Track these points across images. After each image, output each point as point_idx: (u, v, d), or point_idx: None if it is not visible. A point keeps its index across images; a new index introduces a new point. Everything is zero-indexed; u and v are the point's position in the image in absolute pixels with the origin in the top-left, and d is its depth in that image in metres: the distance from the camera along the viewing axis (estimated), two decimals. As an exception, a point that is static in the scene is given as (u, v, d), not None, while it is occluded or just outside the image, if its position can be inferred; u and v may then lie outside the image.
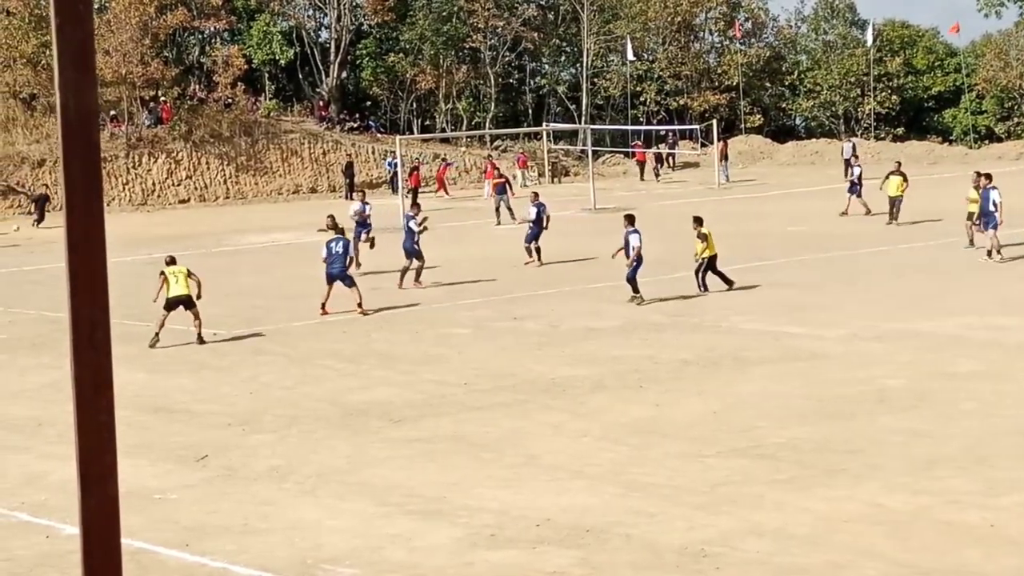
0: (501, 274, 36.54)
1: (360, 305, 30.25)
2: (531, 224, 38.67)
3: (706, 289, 32.02)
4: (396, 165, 65.46)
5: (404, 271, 34.80)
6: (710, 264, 32.40)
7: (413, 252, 34.78)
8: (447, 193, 64.66)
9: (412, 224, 35.06)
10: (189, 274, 27.47)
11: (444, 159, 70.24)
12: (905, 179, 45.23)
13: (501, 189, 51.95)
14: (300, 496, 16.86)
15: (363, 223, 40.38)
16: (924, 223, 44.63)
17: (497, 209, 50.77)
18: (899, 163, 49.81)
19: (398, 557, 14.36)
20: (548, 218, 38.68)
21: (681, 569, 13.71)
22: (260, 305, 32.51)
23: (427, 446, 19.03)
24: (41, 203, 55.67)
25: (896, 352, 24.30)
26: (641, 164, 72.30)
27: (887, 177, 45.52)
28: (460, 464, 18.05)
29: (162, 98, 67.25)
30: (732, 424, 19.61)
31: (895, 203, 44.67)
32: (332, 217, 33.36)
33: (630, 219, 31.62)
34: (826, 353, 24.50)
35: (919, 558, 13.82)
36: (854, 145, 66.45)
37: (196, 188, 65.51)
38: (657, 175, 70.75)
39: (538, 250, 38.00)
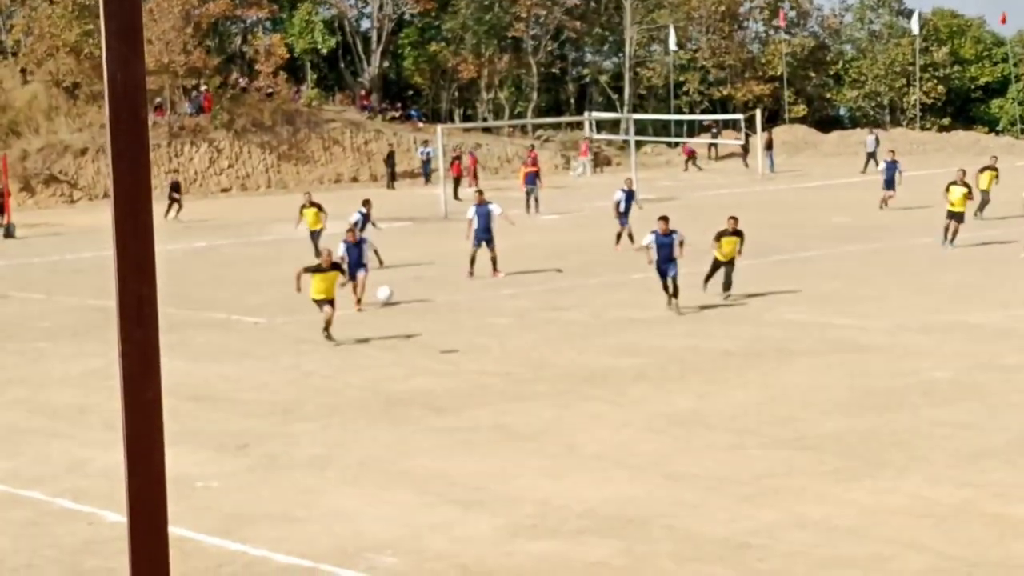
0: (541, 264, 36.44)
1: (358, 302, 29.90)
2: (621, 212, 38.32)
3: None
4: (429, 153, 65.47)
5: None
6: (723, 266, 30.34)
7: (487, 238, 34.55)
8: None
9: (493, 208, 34.85)
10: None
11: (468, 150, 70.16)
12: (997, 174, 44.57)
13: (531, 179, 51.42)
14: (341, 485, 16.84)
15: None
16: (970, 214, 44.30)
17: (527, 199, 50.35)
18: (995, 157, 48.30)
19: (439, 546, 14.32)
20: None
21: (724, 560, 13.61)
22: (301, 294, 32.47)
23: (468, 436, 18.98)
24: (175, 191, 54.88)
25: (942, 344, 24.11)
26: (692, 155, 72.06)
27: (981, 171, 44.46)
28: (501, 454, 18.00)
29: (204, 87, 67.38)
30: (776, 415, 19.49)
31: (985, 197, 43.93)
32: (308, 194, 35.12)
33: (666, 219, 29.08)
34: (871, 345, 24.33)
35: (965, 551, 13.68)
36: (877, 138, 65.92)
37: (238, 177, 65.65)
38: (687, 167, 70.49)
39: (630, 235, 37.48)
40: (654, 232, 29.40)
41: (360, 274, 29.67)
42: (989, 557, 13.52)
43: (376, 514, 15.52)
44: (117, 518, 15.33)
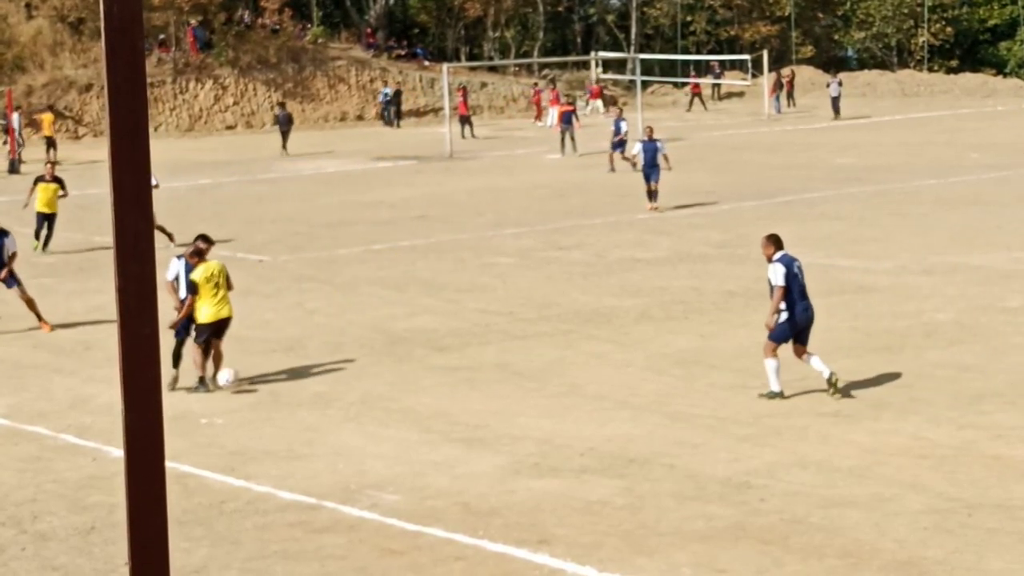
0: (547, 204, 36.42)
1: None
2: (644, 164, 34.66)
3: None
4: (388, 95, 65.23)
5: (650, 192, 34.26)
6: None
7: (653, 173, 33.95)
8: (539, 119, 64.32)
9: (660, 144, 34.35)
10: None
11: (536, 84, 69.96)
12: None
13: (568, 118, 50.41)
14: (344, 422, 16.90)
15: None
16: (976, 155, 44.21)
17: (563, 139, 49.89)
18: None
19: (441, 484, 14.38)
20: (666, 157, 34.40)
21: (725, 500, 13.67)
22: (304, 232, 32.54)
23: (471, 374, 19.02)
24: (285, 123, 54.66)
25: (945, 285, 24.11)
26: (696, 94, 71.79)
27: None
28: (503, 393, 18.05)
29: (191, 22, 66.70)
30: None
31: None
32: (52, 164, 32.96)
33: (777, 242, 18.23)
34: (874, 286, 24.33)
35: (964, 492, 13.74)
36: (840, 82, 65.04)
37: (243, 114, 65.48)
38: (690, 107, 70.29)
39: (655, 193, 34.26)
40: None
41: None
42: (989, 498, 13.57)
43: (378, 452, 15.58)
44: (120, 454, 15.38)
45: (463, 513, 13.46)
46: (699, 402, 17.32)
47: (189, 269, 18.38)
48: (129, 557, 2.58)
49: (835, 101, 61.94)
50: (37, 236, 30.04)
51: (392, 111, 65.61)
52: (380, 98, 66.34)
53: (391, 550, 12.56)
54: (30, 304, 22.17)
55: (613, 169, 42.40)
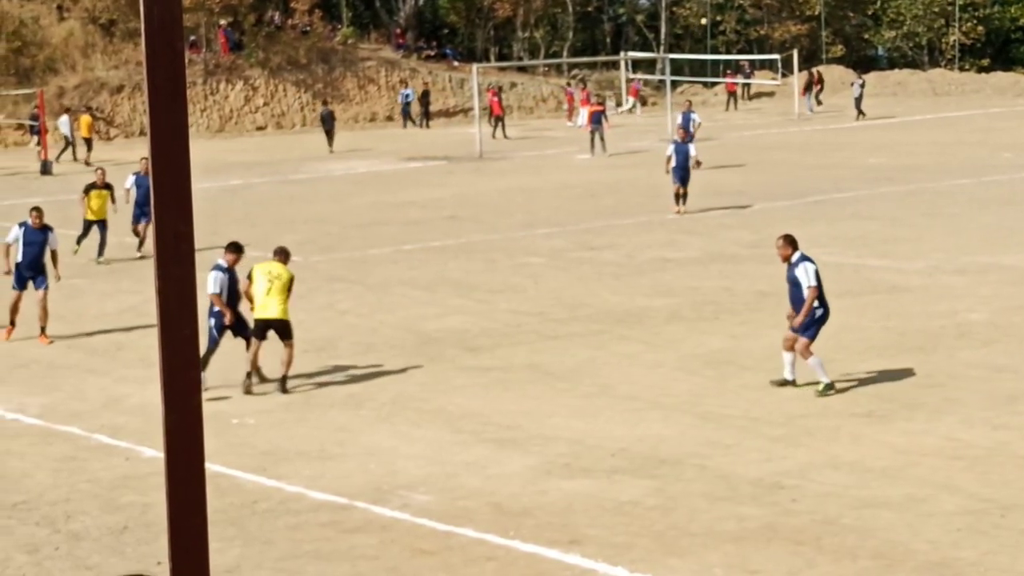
0: (578, 204, 36.40)
1: None
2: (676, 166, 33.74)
3: None
4: (408, 96, 65.15)
5: (678, 195, 33.56)
6: None
7: (683, 176, 33.44)
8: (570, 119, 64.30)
9: (691, 147, 33.95)
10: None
11: (568, 85, 69.95)
12: None
13: (597, 118, 50.07)
14: (376, 423, 16.93)
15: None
16: (1009, 154, 44.01)
17: (592, 139, 49.86)
18: None
19: (473, 484, 14.39)
20: (698, 161, 34.11)
21: (757, 501, 13.64)
22: (335, 233, 32.60)
23: (502, 375, 19.03)
24: (328, 121, 55.51)
25: (978, 286, 24.00)
26: (731, 94, 71.67)
27: None
28: (535, 393, 18.05)
29: (221, 23, 66.87)
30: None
31: None
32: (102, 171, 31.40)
33: (794, 243, 18.20)
34: (907, 286, 24.24)
35: (998, 492, 13.67)
36: (864, 83, 64.71)
37: (273, 115, 65.61)
38: (728, 107, 70.17)
39: (684, 195, 33.59)
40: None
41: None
42: (1023, 499, 13.50)
43: (410, 452, 15.60)
44: (153, 453, 15.46)
45: (495, 513, 13.46)
46: (731, 402, 17.29)
47: (232, 274, 18.46)
48: (170, 558, 2.58)
49: (857, 101, 61.66)
50: (79, 241, 29.50)
51: (412, 112, 65.54)
52: (400, 99, 66.29)
53: (423, 550, 12.57)
54: (44, 313, 21.66)
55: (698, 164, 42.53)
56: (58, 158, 50.95)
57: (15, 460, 15.76)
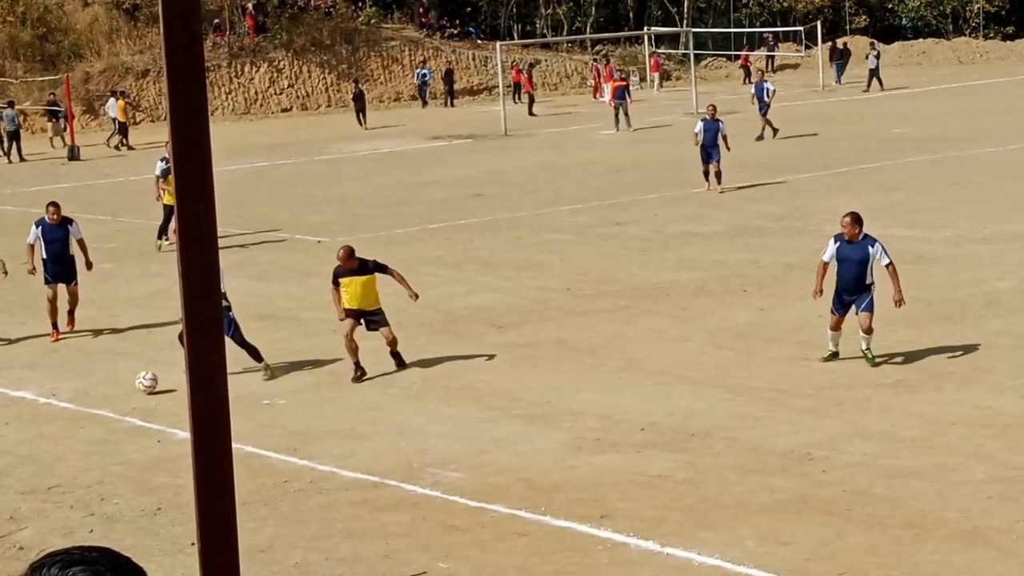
0: (603, 180, 36.38)
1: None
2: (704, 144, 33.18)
3: None
4: (425, 76, 65.08)
5: (707, 173, 32.90)
6: None
7: (713, 153, 32.83)
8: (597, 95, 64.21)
9: (722, 124, 33.30)
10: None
11: (594, 61, 69.86)
12: None
13: (621, 93, 49.98)
14: (405, 401, 16.99)
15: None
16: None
17: (617, 114, 49.73)
18: None
19: (503, 461, 14.44)
20: (726, 138, 33.22)
21: (787, 472, 13.66)
22: (361, 212, 32.65)
23: (530, 351, 19.07)
24: (360, 100, 56.65)
25: (1005, 254, 23.93)
26: (745, 68, 71.43)
27: None
28: (563, 369, 18.08)
29: (248, 4, 66.94)
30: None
31: None
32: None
33: (860, 221, 17.93)
34: (934, 256, 24.19)
35: (1029, 461, 13.67)
36: (879, 54, 64.42)
37: (298, 96, 65.67)
38: (744, 80, 69.89)
39: (718, 174, 32.87)
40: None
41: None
42: (1053, 467, 13.50)
43: (440, 430, 15.66)
44: (185, 435, 15.53)
45: (525, 489, 13.51)
46: (759, 375, 17.30)
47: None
48: (198, 540, 2.62)
49: (873, 72, 61.36)
50: (161, 235, 28.26)
51: (430, 92, 65.56)
52: (416, 79, 66.22)
53: (454, 527, 12.63)
54: (74, 300, 21.36)
55: (762, 137, 43.18)
56: (108, 142, 51.26)
57: (48, 444, 15.88)
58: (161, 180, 28.66)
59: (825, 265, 17.81)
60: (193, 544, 11.66)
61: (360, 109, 56.39)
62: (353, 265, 18.37)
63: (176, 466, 14.57)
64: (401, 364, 18.38)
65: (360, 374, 18.02)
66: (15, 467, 15.09)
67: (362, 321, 18.36)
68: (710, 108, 34.44)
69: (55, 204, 21.98)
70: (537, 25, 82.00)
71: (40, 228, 21.63)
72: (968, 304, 20.46)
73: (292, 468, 14.56)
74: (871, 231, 24.96)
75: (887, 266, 17.45)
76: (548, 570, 11.53)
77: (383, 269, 18.69)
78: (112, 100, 53.22)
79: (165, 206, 28.14)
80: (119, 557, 2.30)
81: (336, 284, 18.42)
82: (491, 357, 18.82)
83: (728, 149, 32.98)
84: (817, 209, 29.67)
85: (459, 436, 15.39)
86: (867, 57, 64.04)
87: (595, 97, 64.67)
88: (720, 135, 32.92)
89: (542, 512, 12.83)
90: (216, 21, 64.96)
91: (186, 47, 2.57)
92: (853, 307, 17.52)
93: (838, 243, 17.59)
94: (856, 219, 17.73)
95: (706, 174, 33.01)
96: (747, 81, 69.93)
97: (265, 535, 12.52)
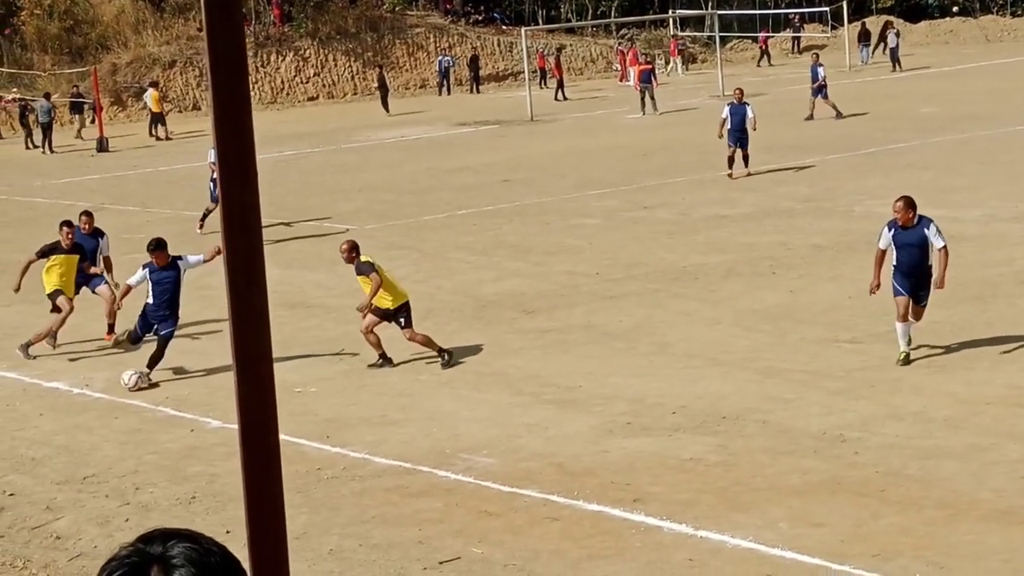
0: (630, 164, 36.34)
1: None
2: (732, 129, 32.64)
3: None
4: (449, 62, 65.03)
5: (732, 159, 32.41)
6: None
7: (741, 138, 32.37)
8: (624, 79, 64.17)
9: (749, 109, 32.66)
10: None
11: (619, 44, 69.84)
12: None
13: (647, 77, 49.92)
14: (437, 387, 17.02)
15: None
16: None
17: (643, 98, 49.58)
18: None
19: (535, 446, 14.46)
20: (754, 122, 32.69)
21: (819, 454, 13.65)
22: (390, 200, 32.69)
23: (560, 336, 19.08)
24: (383, 90, 57.34)
25: (1035, 233, 23.82)
26: (764, 50, 71.32)
27: None
28: (594, 353, 18.09)
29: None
30: (868, 309, 19.37)
31: None
32: None
33: (913, 205, 17.22)
34: (964, 235, 24.06)
35: (1063, 440, 13.63)
36: (898, 32, 64.19)
37: (324, 85, 65.74)
38: (759, 63, 69.74)
39: (745, 157, 32.56)
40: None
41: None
42: (1087, 445, 13.46)
43: (471, 415, 15.69)
44: (219, 424, 15.62)
45: (558, 474, 13.54)
46: (790, 357, 17.28)
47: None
48: (248, 528, 2.65)
49: (893, 52, 61.13)
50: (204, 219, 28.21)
51: (454, 79, 65.55)
52: (438, 67, 66.13)
53: (488, 512, 12.66)
54: (112, 309, 20.57)
55: (812, 116, 43.22)
56: (150, 132, 51.52)
57: (83, 434, 15.97)
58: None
59: (882, 253, 17.10)
60: (229, 532, 11.73)
61: (384, 96, 56.77)
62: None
63: (210, 455, 14.64)
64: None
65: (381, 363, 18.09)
66: (51, 457, 15.18)
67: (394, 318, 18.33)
68: (737, 92, 33.91)
69: (88, 213, 21.78)
70: (562, 10, 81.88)
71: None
72: (999, 283, 20.39)
73: (325, 455, 14.61)
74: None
75: (940, 249, 16.84)
76: (581, 554, 11.56)
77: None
78: (149, 91, 53.49)
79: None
80: (225, 548, 2.37)
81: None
82: (522, 342, 18.83)
83: (754, 129, 32.70)
84: (846, 190, 29.60)
85: (491, 421, 15.42)
86: (886, 37, 63.80)
87: (621, 81, 64.59)
88: (747, 120, 32.50)
89: (575, 496, 12.85)
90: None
91: (228, 36, 2.58)
92: (912, 299, 16.91)
93: (892, 230, 16.91)
94: (909, 203, 16.98)
95: (731, 160, 32.38)
96: (767, 63, 69.77)
97: (300, 522, 12.57)
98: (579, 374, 17.10)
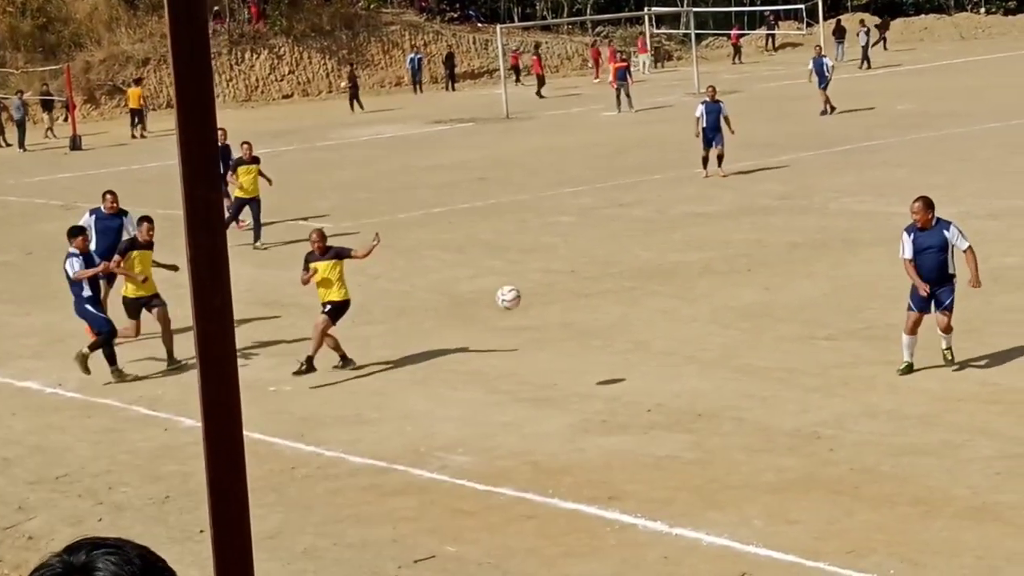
0: (606, 161, 36.34)
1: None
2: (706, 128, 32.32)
3: None
4: (420, 61, 64.84)
5: (706, 159, 32.08)
6: None
7: (716, 137, 31.96)
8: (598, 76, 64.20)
9: (723, 105, 32.33)
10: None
11: (594, 43, 69.82)
12: None
13: (622, 74, 49.83)
14: (411, 386, 16.98)
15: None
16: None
17: (618, 96, 49.57)
18: None
19: (510, 444, 14.44)
20: (728, 119, 32.28)
21: (795, 451, 13.65)
22: (365, 198, 32.64)
23: (536, 334, 19.06)
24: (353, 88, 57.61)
25: (1012, 229, 23.88)
26: (736, 47, 71.47)
27: None
28: (570, 351, 18.07)
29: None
30: (843, 306, 19.44)
31: None
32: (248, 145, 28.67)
33: (931, 205, 16.87)
34: (938, 232, 24.12)
35: (1037, 436, 13.66)
36: (868, 30, 64.27)
37: (299, 83, 65.60)
38: (734, 60, 69.86)
39: (720, 156, 32.07)
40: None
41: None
42: (1061, 442, 13.49)
43: (447, 414, 15.66)
44: (192, 423, 15.55)
45: (533, 472, 13.51)
46: (765, 354, 17.29)
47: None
48: (212, 527, 2.61)
49: (864, 50, 61.24)
50: (229, 223, 26.70)
51: (424, 76, 65.43)
52: (408, 65, 65.97)
53: (463, 511, 12.63)
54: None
55: (827, 111, 43.49)
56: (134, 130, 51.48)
57: (56, 434, 15.89)
58: (230, 173, 27.64)
59: (910, 262, 16.40)
60: (202, 531, 11.69)
61: (354, 95, 56.65)
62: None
63: (183, 454, 14.57)
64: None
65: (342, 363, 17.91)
66: (23, 457, 15.10)
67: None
68: (710, 89, 33.55)
69: (112, 192, 21.44)
70: (537, 7, 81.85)
71: (94, 217, 21.12)
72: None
73: (299, 454, 14.57)
74: (878, 208, 25.00)
75: (966, 250, 16.36)
76: (556, 552, 11.53)
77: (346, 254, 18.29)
78: (132, 87, 53.45)
79: (237, 199, 27.54)
80: (151, 555, 2.35)
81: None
82: (498, 341, 18.80)
83: (732, 132, 32.31)
84: (822, 187, 29.64)
85: (466, 420, 15.39)
86: (857, 35, 63.93)
87: (596, 79, 64.62)
88: (722, 117, 32.15)
89: (550, 495, 12.83)
90: (216, 8, 64.86)
91: (192, 36, 2.55)
92: (933, 303, 16.28)
93: (912, 234, 16.38)
94: (928, 204, 16.41)
95: (705, 160, 32.07)
96: (739, 60, 69.85)
97: (274, 521, 12.53)
98: (555, 372, 17.08)
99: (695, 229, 25.92)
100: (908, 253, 16.32)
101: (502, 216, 28.77)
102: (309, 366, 17.68)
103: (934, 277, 16.19)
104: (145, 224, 19.38)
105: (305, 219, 27.14)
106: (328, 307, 17.87)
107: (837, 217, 26.16)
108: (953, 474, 12.74)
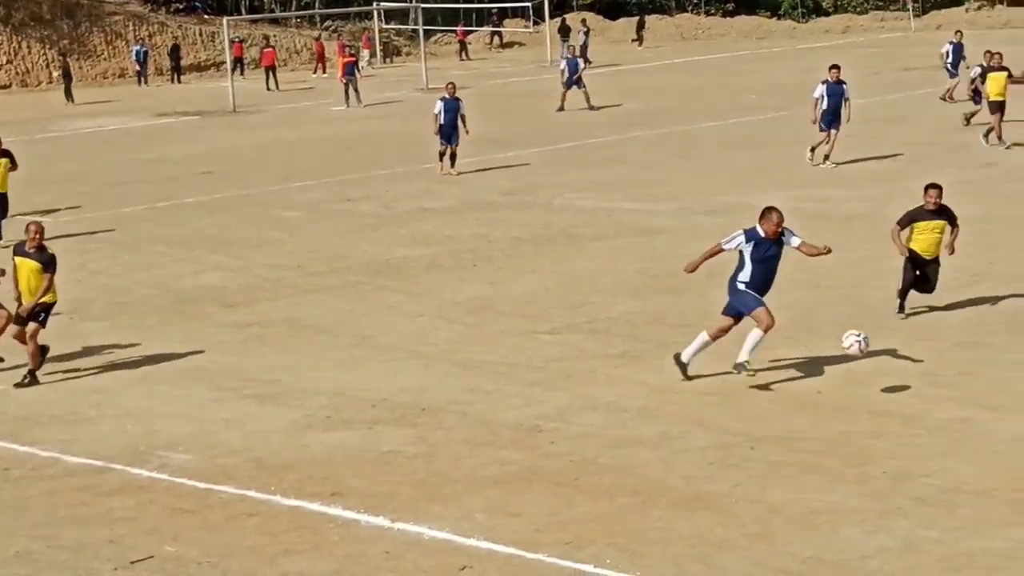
0: (334, 156, 36.21)
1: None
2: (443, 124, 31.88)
3: None
4: (145, 53, 63.76)
5: (444, 154, 31.88)
6: None
7: (454, 134, 31.75)
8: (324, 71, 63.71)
9: (462, 103, 32.05)
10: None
11: (319, 37, 69.28)
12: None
13: (350, 69, 49.62)
14: (132, 383, 16.65)
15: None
16: (754, 96, 45.07)
17: (347, 90, 49.36)
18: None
19: (233, 441, 14.27)
20: (464, 118, 32.01)
21: (516, 444, 13.81)
22: (87, 192, 31.87)
23: (261, 330, 18.89)
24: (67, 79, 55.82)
25: (727, 225, 24.46)
26: (462, 43, 72.06)
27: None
28: (295, 347, 17.96)
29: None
30: (566, 300, 19.75)
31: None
32: None
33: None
34: (659, 228, 24.73)
35: (749, 426, 14.09)
36: (588, 31, 65.59)
37: (17, 73, 63.66)
38: (461, 56, 70.46)
39: (453, 156, 31.99)
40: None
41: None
42: (772, 431, 13.93)
43: (169, 411, 15.40)
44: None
45: (255, 469, 13.38)
46: (490, 349, 17.45)
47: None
48: None
49: (583, 49, 62.22)
50: None
51: (150, 68, 64.13)
52: (133, 56, 64.59)
53: (182, 509, 12.43)
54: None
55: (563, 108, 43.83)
56: None
57: None
58: None
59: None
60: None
61: (68, 85, 55.25)
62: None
63: None
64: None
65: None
66: None
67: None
68: (449, 86, 32.90)
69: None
70: (265, 1, 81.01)
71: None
72: (692, 276, 20.88)
73: (13, 455, 14.15)
74: (599, 204, 25.50)
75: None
76: (278, 549, 11.45)
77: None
78: None
79: None
80: None
81: None
82: (222, 337, 18.57)
83: (467, 132, 32.02)
84: (547, 183, 30.05)
85: (188, 417, 15.16)
86: (578, 33, 64.96)
87: (314, 74, 64.42)
88: (459, 115, 31.83)
89: (272, 492, 12.72)
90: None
91: None
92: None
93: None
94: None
95: (442, 155, 31.95)
96: (466, 56, 70.32)
97: (-15, 525, 12.14)
98: (280, 368, 16.95)
99: (422, 224, 26.02)
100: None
101: (228, 211, 28.43)
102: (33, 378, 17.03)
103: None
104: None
105: (24, 215, 26.30)
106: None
107: (562, 213, 26.57)
108: (669, 465, 13.05)
